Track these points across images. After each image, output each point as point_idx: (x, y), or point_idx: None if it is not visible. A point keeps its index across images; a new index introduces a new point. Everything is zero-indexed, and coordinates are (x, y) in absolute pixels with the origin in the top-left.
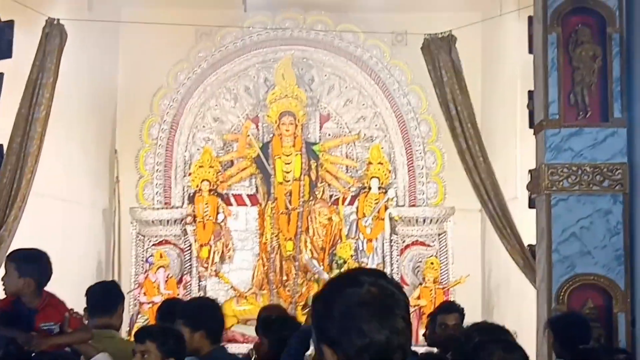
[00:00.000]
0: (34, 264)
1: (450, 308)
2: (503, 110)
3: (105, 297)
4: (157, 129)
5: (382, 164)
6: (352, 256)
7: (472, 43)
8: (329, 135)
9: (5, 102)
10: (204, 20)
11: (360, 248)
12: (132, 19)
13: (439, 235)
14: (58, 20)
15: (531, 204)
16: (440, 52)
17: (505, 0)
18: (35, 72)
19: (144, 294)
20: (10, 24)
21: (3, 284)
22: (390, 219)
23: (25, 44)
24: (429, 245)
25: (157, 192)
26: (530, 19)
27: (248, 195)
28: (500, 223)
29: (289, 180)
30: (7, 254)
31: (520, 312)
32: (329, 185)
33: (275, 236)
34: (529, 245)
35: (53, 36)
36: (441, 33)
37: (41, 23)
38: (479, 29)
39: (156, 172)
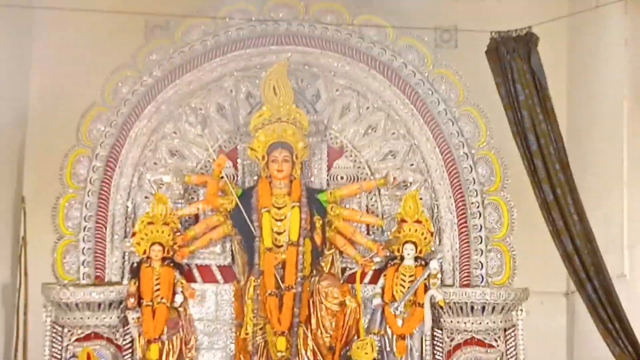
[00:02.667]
0: None
1: None
2: (602, 142)
3: None
4: (85, 167)
5: (420, 222)
6: None
7: (556, 45)
8: (342, 178)
9: None
10: (157, 7)
11: (387, 348)
12: (51, 4)
13: (506, 330)
14: None
15: None
16: (514, 58)
17: None
18: None
19: None
20: None
21: None
22: (433, 305)
23: None
24: (490, 346)
25: (84, 261)
26: None
27: (220, 267)
28: (603, 314)
29: (281, 246)
30: None
31: None
32: (341, 253)
33: (261, 329)
34: None
35: None
36: (516, 30)
37: None
38: (564, 26)
39: (83, 232)
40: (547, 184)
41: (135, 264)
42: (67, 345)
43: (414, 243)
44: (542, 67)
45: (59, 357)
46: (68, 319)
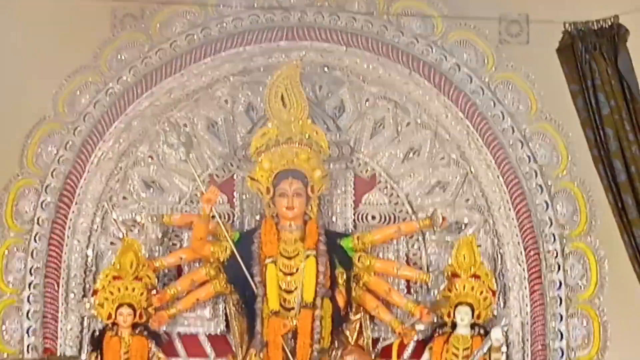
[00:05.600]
0: None
1: None
2: None
3: None
4: (32, 203)
5: (478, 277)
6: None
7: None
8: (374, 218)
9: None
10: None
11: None
12: None
13: None
14: None
15: None
16: (595, 57)
17: None
18: None
19: None
20: None
21: None
22: None
23: None
24: None
25: (29, 329)
26: None
27: (210, 337)
28: None
29: (291, 308)
30: None
31: None
32: (372, 318)
33: None
34: None
35: None
36: (598, 21)
37: None
38: None
39: (29, 289)
40: None
41: (97, 333)
42: None
43: (470, 305)
44: (633, 70)
45: None
46: None
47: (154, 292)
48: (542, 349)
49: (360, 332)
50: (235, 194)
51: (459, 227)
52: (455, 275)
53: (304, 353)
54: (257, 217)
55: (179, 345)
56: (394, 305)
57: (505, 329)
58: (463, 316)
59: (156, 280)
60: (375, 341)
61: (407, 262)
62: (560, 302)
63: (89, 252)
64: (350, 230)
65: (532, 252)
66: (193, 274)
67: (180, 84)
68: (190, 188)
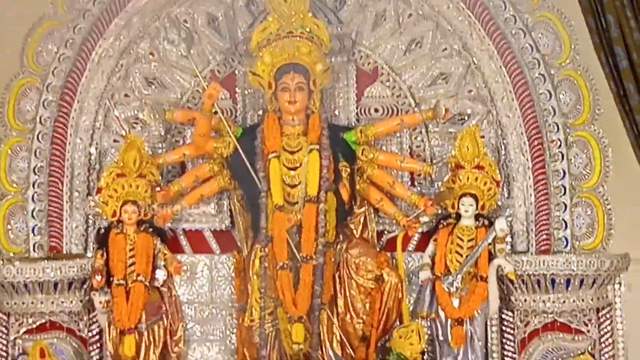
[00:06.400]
0: None
1: None
2: None
3: None
4: (33, 102)
5: (482, 168)
6: (422, 353)
7: None
8: (377, 111)
9: None
10: None
11: (440, 337)
12: None
13: (599, 311)
14: None
15: None
16: None
17: None
18: None
19: None
20: None
21: None
22: (500, 278)
23: None
24: (578, 332)
25: (34, 228)
26: None
27: (215, 233)
28: None
29: (296, 203)
30: None
31: None
32: (377, 211)
33: (270, 314)
34: None
35: None
36: None
37: None
38: None
39: (33, 188)
40: None
41: (102, 230)
42: (15, 338)
43: (474, 196)
44: None
45: (4, 353)
46: (15, 304)
47: (157, 189)
48: (546, 238)
49: (364, 225)
50: (237, 89)
51: (462, 118)
52: (458, 166)
53: (308, 247)
54: (260, 112)
55: (184, 242)
56: (398, 198)
57: (510, 219)
58: (467, 207)
59: (160, 177)
60: (379, 234)
61: (411, 155)
62: (565, 192)
63: (92, 150)
64: (353, 124)
65: (535, 142)
66: (196, 170)
67: None
68: (191, 84)
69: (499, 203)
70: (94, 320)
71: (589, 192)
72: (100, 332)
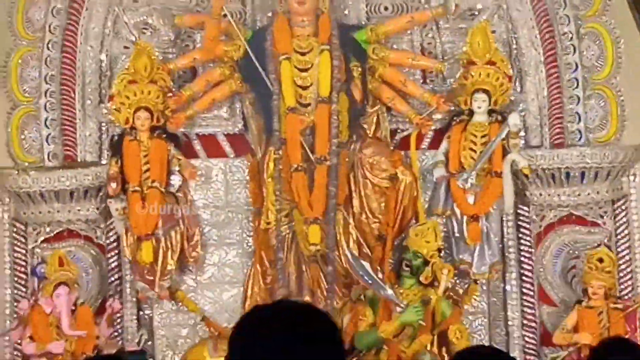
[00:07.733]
0: None
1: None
2: None
3: None
4: (42, 10)
5: (493, 63)
6: (439, 250)
7: None
8: (386, 9)
9: None
10: None
11: (456, 234)
12: None
13: (614, 203)
14: None
15: None
16: None
17: None
18: None
19: (31, 338)
20: None
21: None
22: (515, 173)
23: None
24: (594, 224)
25: (48, 136)
26: None
27: (228, 137)
28: None
29: (308, 104)
30: None
31: None
32: (389, 110)
33: (286, 216)
34: None
35: None
36: None
37: None
38: None
39: (45, 97)
40: None
41: (115, 137)
42: (33, 247)
43: (487, 92)
44: None
45: (23, 263)
46: (32, 213)
47: (169, 94)
48: (560, 132)
49: (377, 125)
50: None
51: (473, 14)
52: (470, 62)
53: (322, 148)
54: (269, 14)
55: (197, 146)
56: (410, 96)
57: (523, 114)
58: (480, 103)
59: (171, 83)
60: (393, 132)
61: (422, 52)
62: (577, 84)
63: (103, 57)
64: (363, 23)
65: (547, 35)
66: (208, 75)
67: None
68: None
69: (512, 98)
70: (112, 227)
71: (602, 84)
72: (118, 239)
